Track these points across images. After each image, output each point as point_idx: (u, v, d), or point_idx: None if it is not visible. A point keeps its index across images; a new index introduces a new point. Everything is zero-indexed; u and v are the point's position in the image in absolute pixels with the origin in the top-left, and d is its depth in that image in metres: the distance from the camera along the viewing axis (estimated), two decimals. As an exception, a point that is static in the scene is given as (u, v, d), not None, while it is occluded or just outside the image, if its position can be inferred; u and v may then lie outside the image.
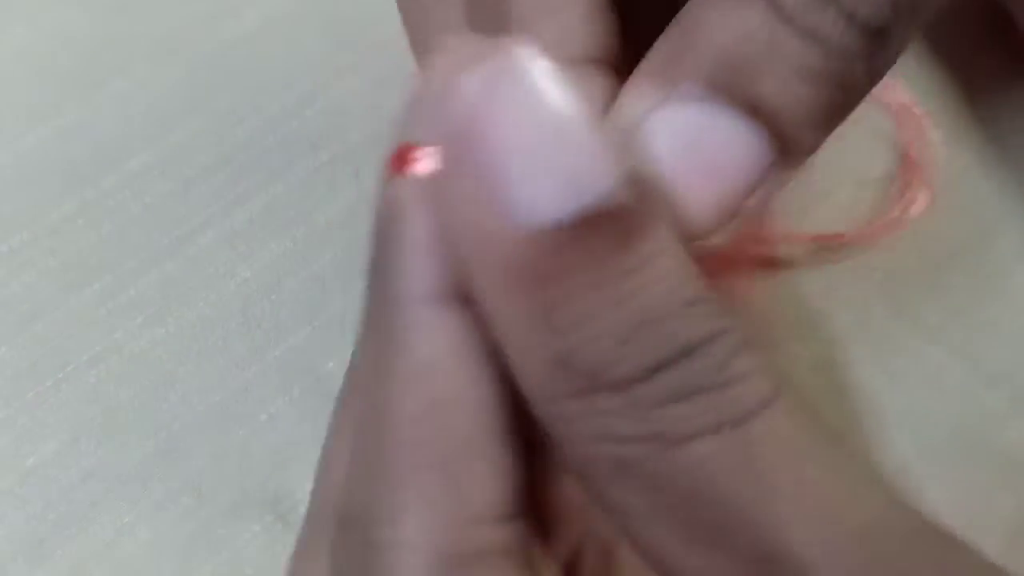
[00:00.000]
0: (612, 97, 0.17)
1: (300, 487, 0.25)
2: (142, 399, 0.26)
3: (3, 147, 0.29)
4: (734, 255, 0.27)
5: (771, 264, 0.27)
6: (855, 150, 0.29)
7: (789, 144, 0.15)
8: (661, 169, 0.15)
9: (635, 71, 0.16)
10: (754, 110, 0.15)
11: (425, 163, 0.14)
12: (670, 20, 0.16)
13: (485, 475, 0.14)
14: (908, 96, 0.30)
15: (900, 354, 0.27)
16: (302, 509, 0.24)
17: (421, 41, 0.20)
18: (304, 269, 0.27)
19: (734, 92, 0.15)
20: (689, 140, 0.15)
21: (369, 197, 0.29)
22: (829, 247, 0.28)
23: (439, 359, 0.15)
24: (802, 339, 0.27)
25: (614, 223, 0.13)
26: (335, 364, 0.26)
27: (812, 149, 0.16)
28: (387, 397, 0.15)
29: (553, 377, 0.13)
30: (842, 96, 0.15)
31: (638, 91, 0.15)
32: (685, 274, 0.14)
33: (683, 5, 0.15)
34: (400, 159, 0.15)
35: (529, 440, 0.15)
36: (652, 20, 0.16)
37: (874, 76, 0.15)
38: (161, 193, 0.28)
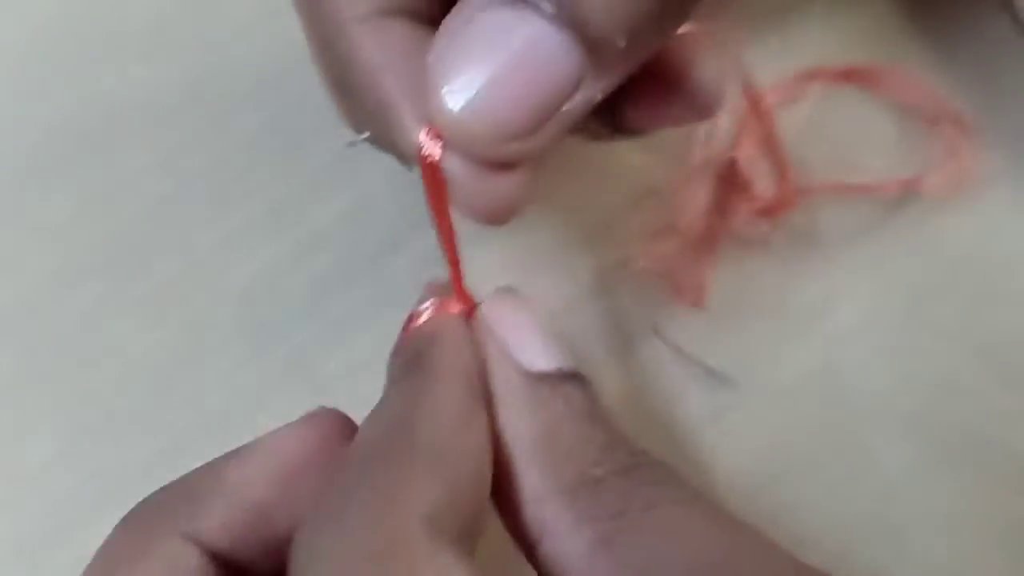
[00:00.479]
0: (418, 43, 0.19)
1: (301, 488, 0.25)
2: (143, 400, 0.26)
3: (3, 147, 0.29)
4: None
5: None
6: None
7: (600, 48, 0.16)
8: (480, 71, 0.16)
9: None
10: (565, 13, 0.16)
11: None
12: None
13: None
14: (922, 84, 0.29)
15: (912, 355, 0.26)
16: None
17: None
18: (304, 270, 0.27)
19: None
20: (505, 42, 0.16)
21: (370, 197, 0.29)
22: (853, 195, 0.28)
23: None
24: (810, 339, 0.27)
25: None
26: (335, 364, 0.26)
27: (627, 57, 0.17)
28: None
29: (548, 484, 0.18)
30: (654, 2, 0.16)
31: (460, 5, 0.17)
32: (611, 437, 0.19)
33: None
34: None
35: None
36: None
37: None
38: (160, 194, 0.29)
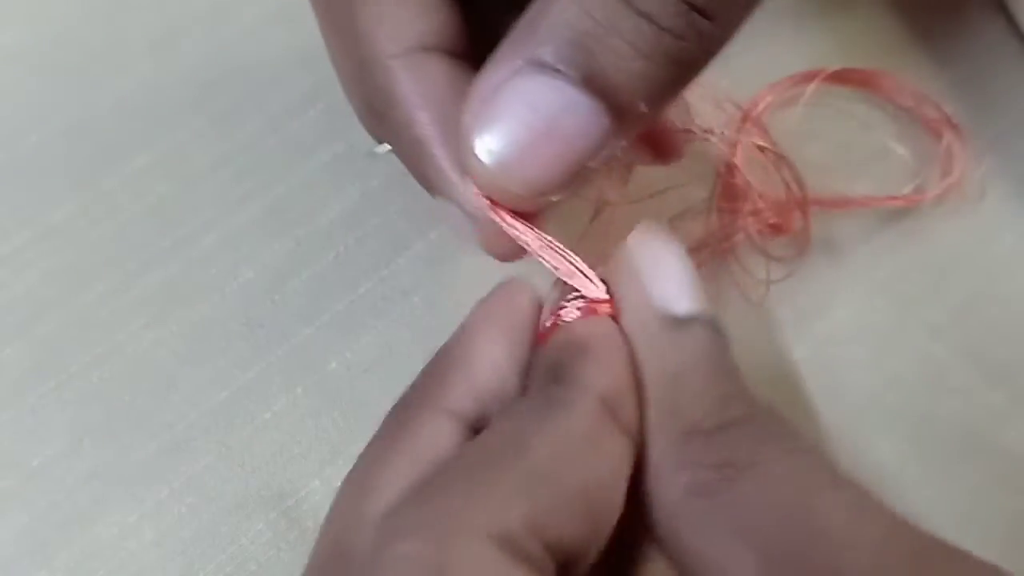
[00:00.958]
0: (454, 81, 0.20)
1: (303, 485, 0.25)
2: (145, 399, 0.26)
3: (4, 147, 0.29)
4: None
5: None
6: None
7: (625, 114, 0.17)
8: (512, 133, 0.17)
9: (497, 48, 0.18)
10: (594, 82, 0.17)
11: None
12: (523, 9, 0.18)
13: None
14: (919, 89, 0.30)
15: (901, 353, 0.27)
16: (306, 506, 0.25)
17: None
18: (306, 269, 0.28)
19: (577, 65, 0.17)
20: (536, 107, 0.17)
21: (371, 197, 0.29)
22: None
23: None
24: (801, 338, 0.27)
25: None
26: (337, 364, 0.26)
27: (647, 119, 0.18)
28: None
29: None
30: (675, 71, 0.17)
31: (495, 64, 0.18)
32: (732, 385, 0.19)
33: None
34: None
35: None
36: (504, 10, 0.19)
37: (706, 53, 0.17)
38: (163, 193, 0.29)
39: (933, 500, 0.25)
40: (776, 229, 0.27)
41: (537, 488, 0.16)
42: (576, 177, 0.18)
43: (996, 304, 0.27)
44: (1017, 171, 0.29)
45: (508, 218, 0.19)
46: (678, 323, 0.19)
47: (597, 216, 0.26)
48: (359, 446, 0.19)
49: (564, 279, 0.20)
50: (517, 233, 0.19)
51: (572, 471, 0.17)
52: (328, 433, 0.26)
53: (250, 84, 0.30)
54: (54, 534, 0.24)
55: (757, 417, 0.18)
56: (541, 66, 0.17)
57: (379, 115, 0.22)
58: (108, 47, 0.31)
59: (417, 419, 0.18)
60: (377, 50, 0.21)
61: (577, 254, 0.20)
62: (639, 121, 0.18)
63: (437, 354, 0.20)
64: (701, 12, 0.16)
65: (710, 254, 0.27)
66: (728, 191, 0.28)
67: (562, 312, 0.20)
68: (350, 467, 0.19)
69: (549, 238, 0.20)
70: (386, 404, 0.19)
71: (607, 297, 0.20)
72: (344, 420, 0.26)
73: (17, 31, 0.31)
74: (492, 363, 0.19)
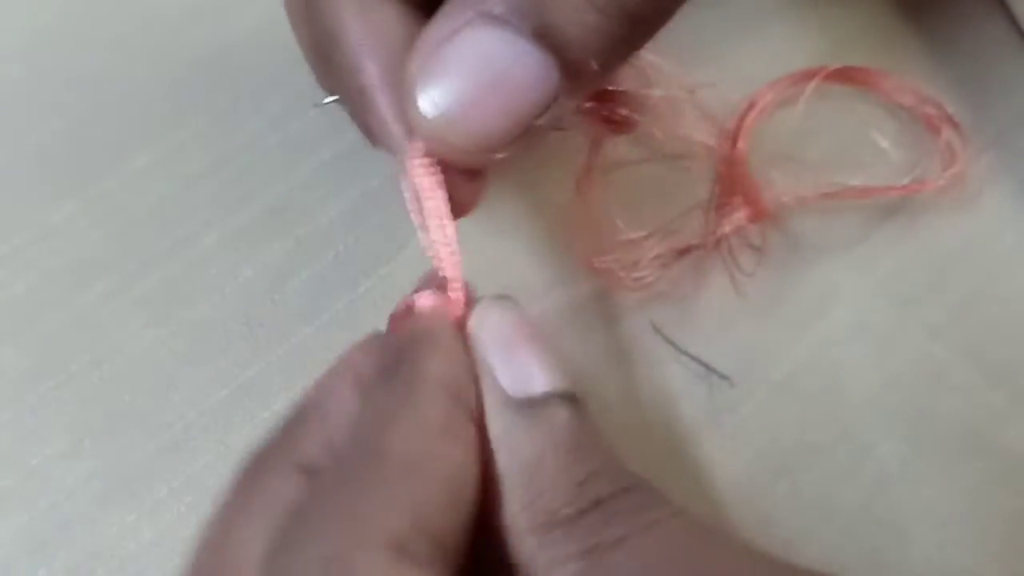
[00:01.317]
0: (406, 27, 0.20)
1: (302, 486, 0.25)
2: (145, 399, 0.26)
3: (4, 147, 0.29)
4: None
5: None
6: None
7: (575, 70, 0.17)
8: (458, 86, 0.17)
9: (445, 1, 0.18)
10: (545, 35, 0.16)
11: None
12: None
13: None
14: (918, 88, 0.30)
15: (902, 353, 0.27)
16: (304, 508, 0.25)
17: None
18: (306, 269, 0.28)
19: (529, 16, 0.16)
20: (484, 59, 0.17)
21: (371, 196, 0.29)
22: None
23: None
24: (806, 338, 0.27)
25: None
26: (336, 364, 0.26)
27: (597, 77, 0.17)
28: None
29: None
30: (629, 28, 0.17)
31: (445, 15, 0.17)
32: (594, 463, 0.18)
33: None
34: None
35: None
36: None
37: (661, 12, 0.17)
38: (163, 193, 0.29)
39: (933, 500, 0.25)
40: (754, 219, 0.27)
41: (409, 486, 0.16)
42: (522, 134, 0.17)
43: (996, 303, 0.27)
44: (1017, 169, 0.29)
45: (427, 189, 0.19)
46: (532, 404, 0.18)
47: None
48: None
49: (437, 271, 0.20)
50: (429, 207, 0.19)
51: (435, 463, 0.16)
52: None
53: (250, 84, 0.30)
54: (54, 534, 0.24)
55: (623, 492, 0.17)
56: (492, 18, 0.17)
57: (325, 58, 0.21)
58: (108, 46, 0.31)
59: (268, 475, 0.18)
60: None
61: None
62: (589, 79, 0.17)
63: (291, 407, 0.19)
64: None
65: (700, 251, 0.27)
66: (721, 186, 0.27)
67: (416, 297, 0.20)
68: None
69: (451, 229, 0.19)
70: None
71: (462, 300, 0.19)
72: (344, 420, 0.26)
73: (16, 30, 0.31)
74: (346, 412, 0.18)
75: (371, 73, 0.20)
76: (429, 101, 0.17)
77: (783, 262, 0.28)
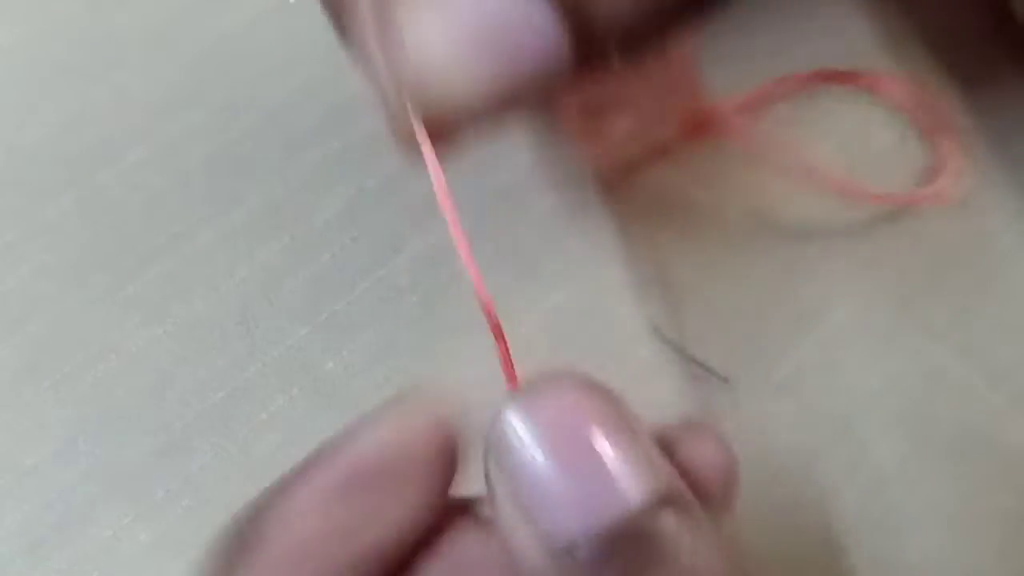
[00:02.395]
0: None
1: (300, 487, 0.25)
2: (141, 399, 0.26)
3: (0, 143, 0.29)
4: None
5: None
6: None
7: (590, 48, 0.15)
8: (454, 25, 0.14)
9: None
10: (569, 2, 0.14)
11: None
12: None
13: None
14: (918, 89, 0.30)
15: (901, 353, 0.27)
16: (302, 509, 0.24)
17: None
18: (303, 268, 0.27)
19: None
20: (491, 7, 0.14)
21: (368, 195, 0.29)
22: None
23: None
24: (805, 339, 0.27)
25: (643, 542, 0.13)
26: (334, 364, 0.26)
27: (608, 53, 0.15)
28: None
29: None
30: (660, 16, 0.15)
31: None
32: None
33: None
34: None
35: None
36: None
37: (696, 5, 0.15)
38: (158, 189, 0.28)
39: (933, 500, 0.25)
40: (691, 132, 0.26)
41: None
42: (503, 101, 0.15)
43: (996, 303, 0.27)
44: (1016, 171, 0.29)
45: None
46: (566, 549, 0.14)
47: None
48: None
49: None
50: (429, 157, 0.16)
51: None
52: (325, 433, 0.25)
53: (247, 79, 0.30)
54: (48, 535, 0.24)
55: None
56: None
57: None
58: (102, 40, 0.31)
59: None
60: None
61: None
62: (597, 63, 0.15)
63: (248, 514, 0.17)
64: None
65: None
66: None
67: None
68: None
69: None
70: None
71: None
72: (341, 420, 0.25)
73: (10, 24, 0.31)
74: (314, 528, 0.15)
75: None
76: (416, 32, 0.15)
77: (783, 262, 0.28)
